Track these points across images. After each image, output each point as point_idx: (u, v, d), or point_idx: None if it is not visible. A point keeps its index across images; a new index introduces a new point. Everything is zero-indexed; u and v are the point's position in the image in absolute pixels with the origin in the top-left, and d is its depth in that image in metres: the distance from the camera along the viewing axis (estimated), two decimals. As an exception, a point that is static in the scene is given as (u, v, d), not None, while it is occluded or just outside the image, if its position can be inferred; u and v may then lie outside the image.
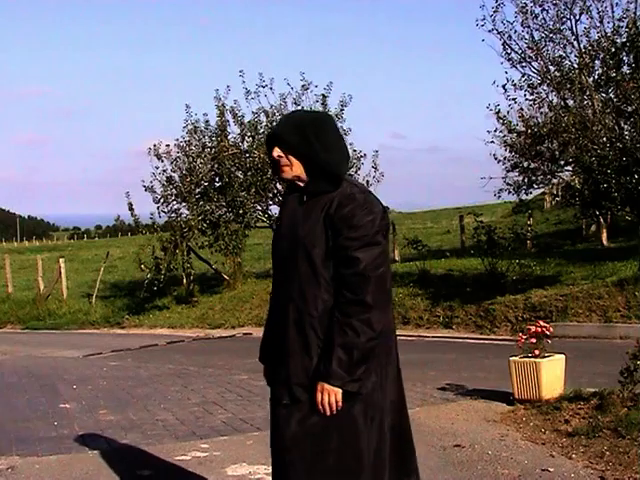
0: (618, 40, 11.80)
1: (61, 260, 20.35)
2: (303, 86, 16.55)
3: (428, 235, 24.87)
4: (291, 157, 2.74)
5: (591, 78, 12.03)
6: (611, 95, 12.00)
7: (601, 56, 11.96)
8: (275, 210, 16.97)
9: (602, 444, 4.69)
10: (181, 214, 17.04)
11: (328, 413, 2.62)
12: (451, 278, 14.04)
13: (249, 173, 16.53)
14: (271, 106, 16.75)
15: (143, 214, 17.61)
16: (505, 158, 13.36)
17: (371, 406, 2.68)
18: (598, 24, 11.96)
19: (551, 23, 12.13)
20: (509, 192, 13.46)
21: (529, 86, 12.40)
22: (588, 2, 11.95)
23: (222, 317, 15.37)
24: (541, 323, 6.03)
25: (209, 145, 17.10)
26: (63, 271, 19.92)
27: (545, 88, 12.43)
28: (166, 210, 17.03)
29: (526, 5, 12.15)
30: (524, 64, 12.39)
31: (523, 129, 12.78)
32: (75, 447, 5.24)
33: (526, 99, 12.61)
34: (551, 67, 12.27)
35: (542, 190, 17.33)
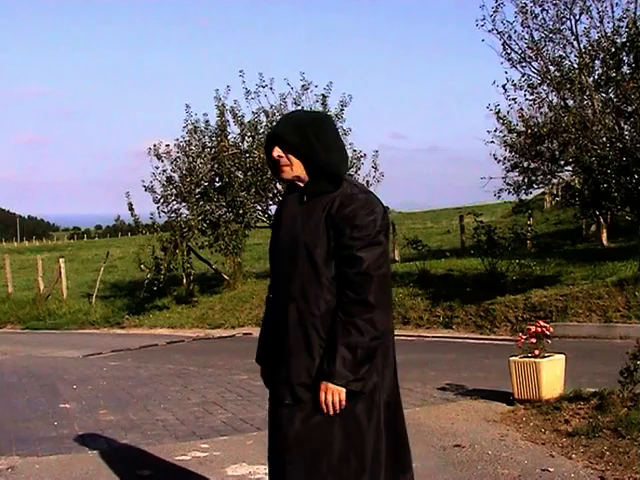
0: (618, 40, 11.80)
1: (61, 260, 20.35)
2: (303, 86, 16.57)
3: (428, 235, 24.87)
4: (291, 157, 2.74)
5: (591, 78, 12.03)
6: (611, 95, 11.99)
7: (601, 56, 11.95)
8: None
9: (602, 444, 4.69)
10: (181, 214, 17.05)
11: (332, 412, 2.63)
12: (451, 278, 14.04)
13: (249, 173, 16.53)
14: (271, 106, 16.78)
15: (143, 214, 17.62)
16: (505, 158, 13.37)
17: (372, 405, 2.69)
18: (598, 24, 11.97)
19: (551, 23, 12.14)
20: (509, 192, 13.47)
21: (529, 86, 12.40)
22: (588, 2, 11.96)
23: (222, 317, 15.37)
24: (541, 323, 6.03)
25: (209, 145, 17.11)
26: (63, 271, 19.92)
27: (545, 88, 12.43)
28: (166, 210, 17.05)
29: (526, 5, 12.15)
30: (524, 64, 12.40)
31: (523, 129, 12.78)
32: (75, 447, 5.24)
33: (526, 99, 12.63)
34: (551, 67, 12.27)
35: (542, 190, 17.34)
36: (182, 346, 12.43)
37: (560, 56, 12.24)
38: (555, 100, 12.52)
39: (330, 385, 2.60)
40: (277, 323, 2.77)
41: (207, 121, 17.22)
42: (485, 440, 5.04)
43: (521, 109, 12.83)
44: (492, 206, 28.06)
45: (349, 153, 16.15)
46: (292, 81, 16.74)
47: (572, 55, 12.24)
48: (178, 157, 17.05)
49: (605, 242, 16.84)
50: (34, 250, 48.08)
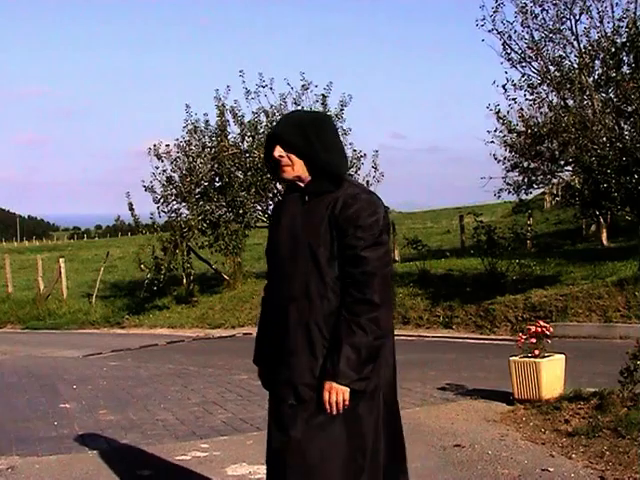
0: (618, 40, 11.80)
1: (61, 260, 20.35)
2: (303, 86, 16.57)
3: (428, 235, 24.88)
4: (292, 157, 2.74)
5: (591, 78, 12.03)
6: (611, 95, 12.00)
7: (601, 56, 11.96)
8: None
9: (602, 444, 4.69)
10: (181, 214, 17.05)
11: (335, 412, 2.63)
12: (451, 278, 14.04)
13: (249, 173, 16.53)
14: (271, 106, 16.78)
15: (143, 214, 17.62)
16: (505, 158, 13.37)
17: (373, 405, 2.69)
18: (598, 24, 11.97)
19: (551, 23, 12.14)
20: (509, 192, 13.48)
21: (529, 86, 12.40)
22: (588, 2, 11.96)
23: (222, 317, 15.37)
24: (541, 323, 6.03)
25: (209, 145, 17.10)
26: (63, 271, 19.92)
27: (545, 88, 12.43)
28: (166, 210, 17.04)
29: (526, 5, 12.16)
30: (524, 64, 12.40)
31: (523, 129, 12.78)
32: (75, 447, 5.24)
33: (526, 99, 12.63)
34: (551, 67, 12.27)
35: (542, 190, 17.34)
36: (182, 346, 12.43)
37: (560, 56, 12.25)
38: (555, 100, 12.52)
39: (334, 385, 2.61)
40: (277, 323, 2.76)
41: (207, 121, 17.25)
42: (485, 440, 5.04)
43: (521, 109, 12.85)
44: (492, 206, 28.07)
45: (349, 153, 16.16)
46: (292, 81, 16.79)
47: (572, 55, 12.27)
48: (178, 157, 17.05)
49: (605, 242, 16.85)
50: (34, 250, 48.08)
